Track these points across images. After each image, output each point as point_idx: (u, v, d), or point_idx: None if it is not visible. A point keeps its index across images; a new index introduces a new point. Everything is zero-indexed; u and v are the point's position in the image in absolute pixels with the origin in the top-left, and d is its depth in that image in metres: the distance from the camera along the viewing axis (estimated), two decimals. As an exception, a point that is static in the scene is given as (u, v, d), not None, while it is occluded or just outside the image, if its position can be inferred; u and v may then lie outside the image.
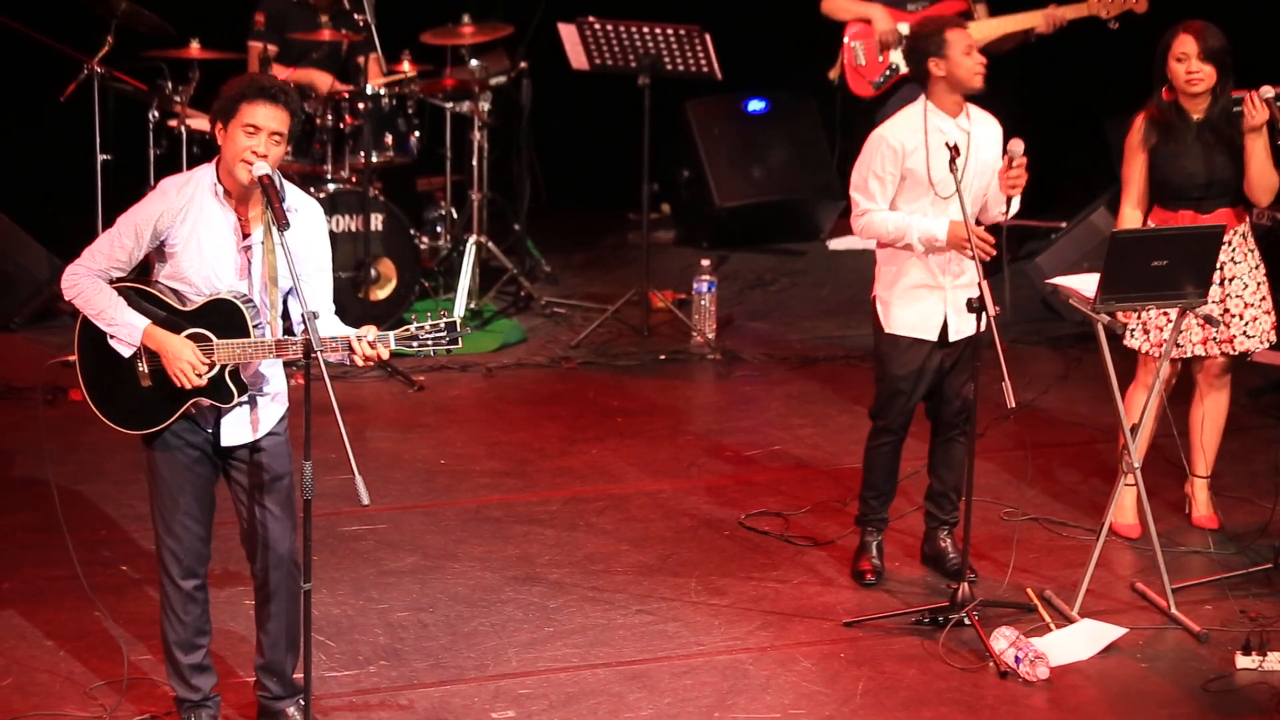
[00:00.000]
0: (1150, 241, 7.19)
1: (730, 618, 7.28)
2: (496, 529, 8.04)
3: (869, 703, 6.68)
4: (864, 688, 6.78)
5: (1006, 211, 7.33)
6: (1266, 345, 7.85)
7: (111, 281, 6.04)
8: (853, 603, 7.41)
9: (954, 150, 7.07)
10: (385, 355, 5.99)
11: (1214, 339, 7.74)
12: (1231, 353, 7.81)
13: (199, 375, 5.97)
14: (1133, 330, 7.75)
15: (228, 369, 6.03)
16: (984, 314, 6.91)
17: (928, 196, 7.31)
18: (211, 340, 5.99)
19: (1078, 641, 7.03)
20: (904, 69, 10.46)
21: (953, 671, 6.87)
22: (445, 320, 6.01)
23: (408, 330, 6.00)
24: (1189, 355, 7.75)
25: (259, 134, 5.93)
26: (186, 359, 5.97)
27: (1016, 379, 6.93)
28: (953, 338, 7.40)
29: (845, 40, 10.58)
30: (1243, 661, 6.91)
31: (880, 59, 10.53)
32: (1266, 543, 7.77)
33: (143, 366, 6.04)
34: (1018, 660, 6.82)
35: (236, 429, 6.15)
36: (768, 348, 10.52)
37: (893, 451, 7.58)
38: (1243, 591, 7.48)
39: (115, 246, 6.03)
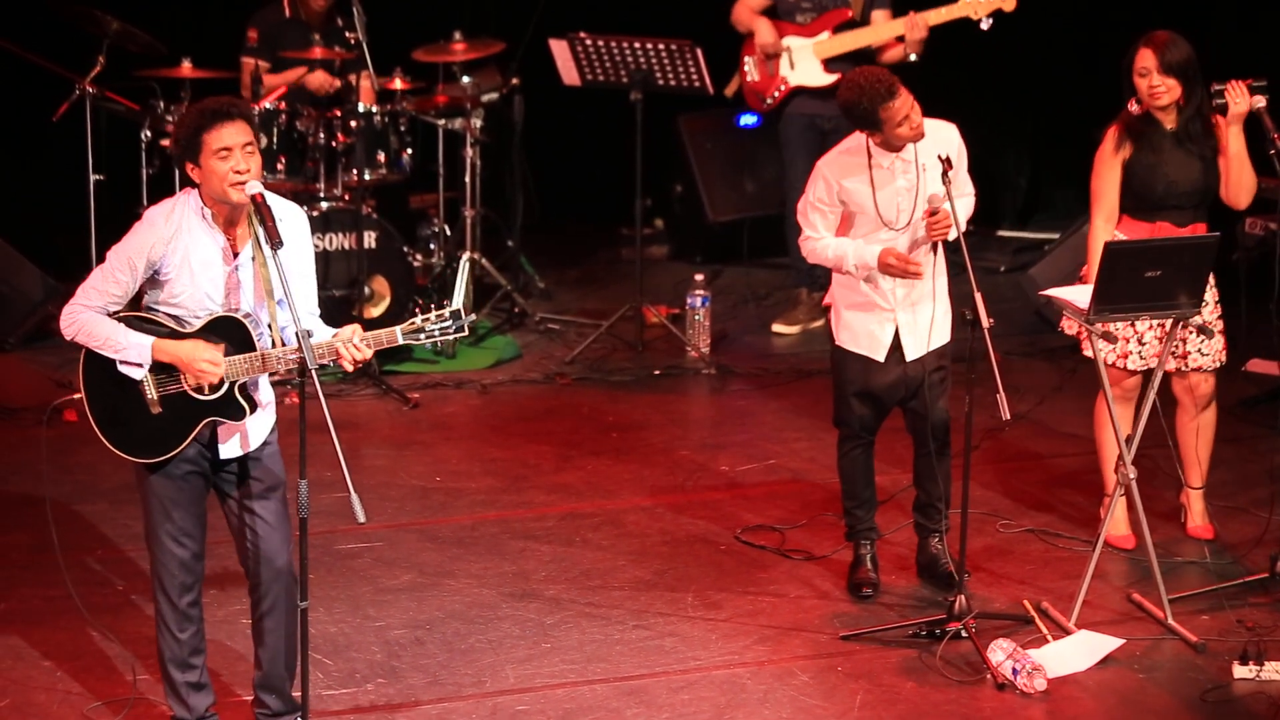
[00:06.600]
0: (1144, 252, 7.15)
1: (727, 632, 7.28)
2: (493, 546, 8.04)
3: (866, 716, 6.68)
4: (861, 701, 6.78)
5: (952, 234, 7.25)
6: (1217, 365, 7.83)
7: (109, 315, 6.05)
8: (849, 616, 7.41)
9: (946, 163, 7.07)
10: (368, 355, 5.97)
11: (1173, 353, 7.69)
12: (1184, 369, 7.79)
13: (218, 371, 5.96)
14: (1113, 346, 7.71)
15: (237, 385, 6.04)
16: (978, 326, 6.92)
17: (875, 228, 7.27)
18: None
19: (1075, 653, 7.03)
20: (793, 82, 10.50)
21: (950, 684, 6.87)
22: (450, 309, 6.02)
23: (414, 324, 5.99)
24: (1145, 368, 7.69)
25: (233, 153, 5.93)
26: (204, 357, 5.96)
27: (1010, 391, 6.93)
28: (911, 356, 7.39)
29: (743, 56, 10.64)
30: (1240, 671, 6.91)
31: (771, 75, 10.54)
32: (1262, 552, 7.77)
33: (151, 394, 6.03)
34: (1015, 672, 6.83)
35: (234, 441, 6.15)
36: (762, 362, 10.52)
37: (863, 457, 7.57)
38: (1239, 601, 7.48)
39: (109, 281, 6.02)
